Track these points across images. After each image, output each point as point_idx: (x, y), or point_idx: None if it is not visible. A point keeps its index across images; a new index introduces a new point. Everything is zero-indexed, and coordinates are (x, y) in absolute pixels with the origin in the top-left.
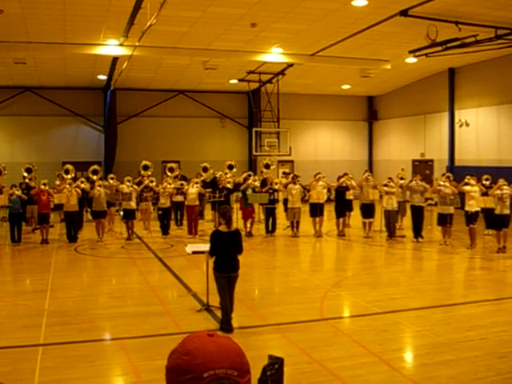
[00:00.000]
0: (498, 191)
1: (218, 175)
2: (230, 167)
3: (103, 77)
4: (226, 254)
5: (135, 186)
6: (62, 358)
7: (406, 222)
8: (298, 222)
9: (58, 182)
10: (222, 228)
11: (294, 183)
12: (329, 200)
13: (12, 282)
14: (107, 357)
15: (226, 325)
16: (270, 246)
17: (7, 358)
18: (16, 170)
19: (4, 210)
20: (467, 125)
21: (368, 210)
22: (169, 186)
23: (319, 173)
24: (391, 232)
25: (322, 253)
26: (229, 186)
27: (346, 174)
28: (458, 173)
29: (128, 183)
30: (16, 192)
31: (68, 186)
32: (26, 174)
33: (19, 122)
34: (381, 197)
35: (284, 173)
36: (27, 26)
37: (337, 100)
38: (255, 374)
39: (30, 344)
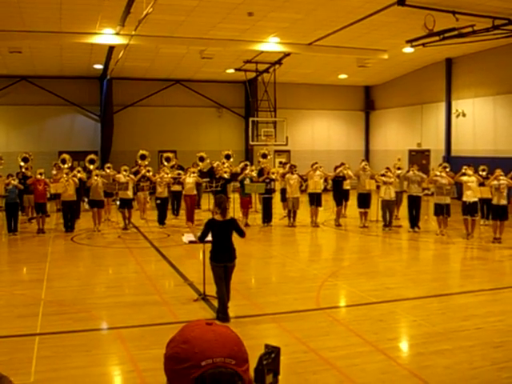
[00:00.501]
0: (495, 181)
1: (215, 165)
2: (227, 157)
3: (99, 66)
4: (221, 243)
5: (132, 176)
6: (58, 348)
7: (403, 211)
8: (295, 212)
9: (54, 172)
10: (218, 217)
11: (292, 173)
12: (325, 190)
13: (9, 271)
14: (104, 346)
15: (222, 314)
16: (266, 236)
17: (4, 348)
18: (12, 159)
19: (0, 200)
20: (464, 115)
21: (364, 200)
22: (166, 176)
23: (316, 162)
24: (388, 222)
25: (318, 242)
26: (225, 175)
27: (342, 164)
28: (454, 163)
29: (125, 173)
30: (12, 181)
31: (65, 176)
32: (22, 164)
33: (15, 112)
34: (378, 187)
35: (281, 162)
36: (23, 15)
37: (334, 90)
38: (252, 363)
39: (27, 333)
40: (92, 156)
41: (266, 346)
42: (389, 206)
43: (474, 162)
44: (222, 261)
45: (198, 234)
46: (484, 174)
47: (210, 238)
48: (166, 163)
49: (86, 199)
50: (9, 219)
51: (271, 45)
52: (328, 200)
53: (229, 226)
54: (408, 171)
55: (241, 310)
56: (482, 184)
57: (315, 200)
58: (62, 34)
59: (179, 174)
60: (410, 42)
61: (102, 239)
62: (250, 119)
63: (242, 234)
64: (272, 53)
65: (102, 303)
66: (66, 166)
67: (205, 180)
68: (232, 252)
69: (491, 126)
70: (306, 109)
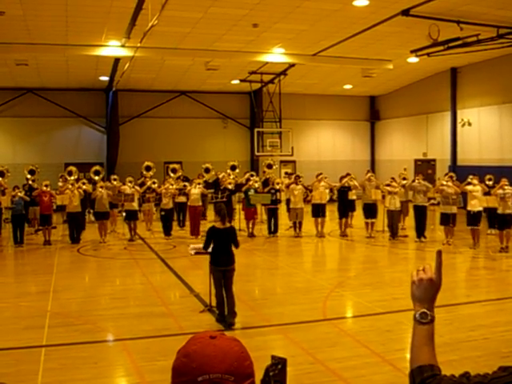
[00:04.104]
0: (501, 191)
1: (221, 176)
2: (233, 168)
3: (105, 78)
4: (221, 248)
5: (137, 187)
6: (64, 360)
7: (409, 221)
8: (300, 223)
9: (60, 184)
10: (218, 224)
11: (297, 183)
12: (331, 200)
13: (15, 283)
14: (110, 358)
15: (220, 316)
16: (272, 247)
17: (10, 359)
18: (18, 171)
19: (7, 212)
20: (469, 124)
21: (370, 210)
22: (171, 187)
23: (321, 173)
24: (394, 232)
25: (324, 253)
26: (230, 186)
27: (348, 174)
28: (460, 172)
29: (130, 184)
30: (18, 193)
31: (70, 187)
32: (29, 176)
33: (21, 124)
34: (383, 197)
35: (286, 173)
36: (29, 28)
37: (339, 100)
38: (258, 374)
39: (33, 345)
40: (97, 167)
41: (273, 357)
42: (394, 216)
43: (480, 172)
44: (222, 265)
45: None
46: (490, 183)
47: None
48: (171, 174)
49: (91, 211)
50: (15, 231)
51: (276, 56)
52: (333, 210)
53: (228, 233)
54: (413, 181)
55: (247, 320)
56: (487, 193)
57: (319, 211)
58: (68, 47)
59: (185, 186)
60: (414, 51)
61: (108, 251)
62: (256, 130)
63: (236, 244)
64: (277, 64)
65: (108, 315)
66: (72, 177)
67: (210, 191)
68: (231, 257)
69: (497, 135)
70: (311, 119)
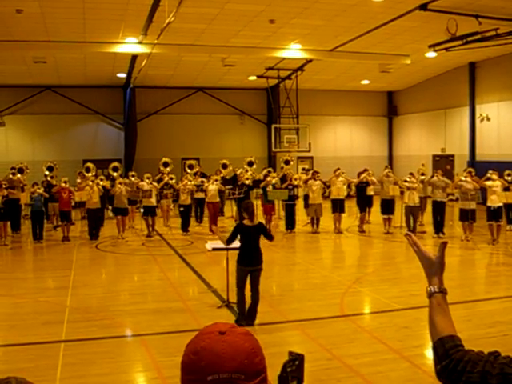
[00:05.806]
0: None
1: (238, 172)
2: (250, 164)
3: (123, 75)
4: (250, 246)
5: (155, 183)
6: (83, 355)
7: (427, 217)
8: (318, 219)
9: (79, 180)
10: (246, 222)
11: (314, 179)
12: (349, 196)
13: (34, 278)
14: (128, 353)
15: (240, 314)
16: (290, 243)
17: (29, 355)
18: (37, 168)
19: (26, 208)
20: (488, 119)
21: (388, 206)
22: (189, 183)
23: (339, 168)
24: (412, 228)
25: (342, 249)
26: (247, 182)
27: (366, 170)
28: (479, 168)
29: (147, 180)
30: (37, 190)
31: (90, 183)
32: (47, 173)
33: (40, 121)
34: (401, 193)
35: (304, 169)
36: (46, 26)
37: (356, 95)
38: (276, 370)
39: (52, 340)
40: (115, 164)
41: (290, 353)
42: (413, 212)
43: (499, 167)
44: (249, 264)
45: (226, 235)
46: (510, 178)
47: (235, 244)
48: (189, 170)
49: (110, 207)
50: (34, 227)
51: (293, 51)
52: (351, 206)
53: (257, 230)
54: (432, 176)
55: (264, 316)
56: (506, 189)
57: (338, 206)
58: (85, 44)
59: (202, 182)
60: (432, 46)
61: (126, 247)
62: (273, 126)
63: (270, 238)
64: (294, 59)
65: (127, 310)
66: (90, 174)
67: (227, 187)
68: (259, 256)
69: None
70: (329, 115)
